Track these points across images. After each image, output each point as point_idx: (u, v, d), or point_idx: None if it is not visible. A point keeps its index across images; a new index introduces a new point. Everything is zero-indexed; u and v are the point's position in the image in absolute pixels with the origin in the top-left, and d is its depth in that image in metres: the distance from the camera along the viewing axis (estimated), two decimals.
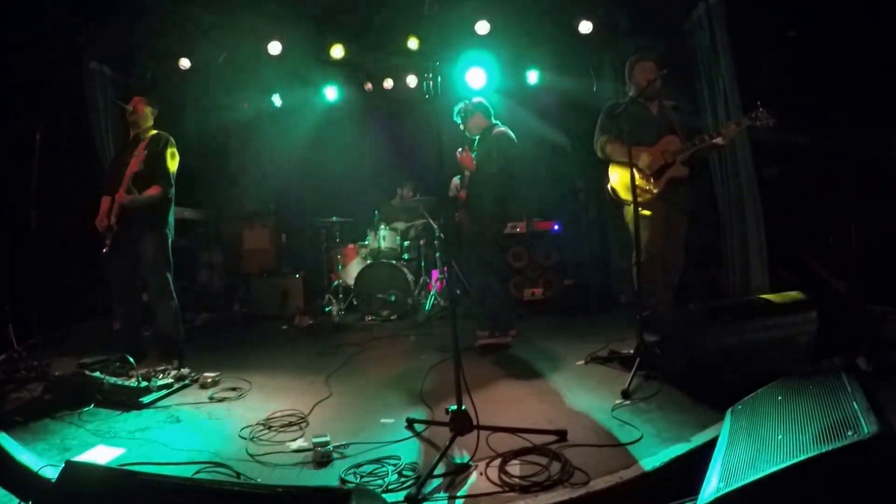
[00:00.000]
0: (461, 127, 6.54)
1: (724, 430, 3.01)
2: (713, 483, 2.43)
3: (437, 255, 8.97)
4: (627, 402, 4.32)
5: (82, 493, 2.55)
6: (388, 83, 9.83)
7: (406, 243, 9.22)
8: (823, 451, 2.13)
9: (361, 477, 3.33)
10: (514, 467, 3.33)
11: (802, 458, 2.16)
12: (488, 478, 3.22)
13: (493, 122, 6.47)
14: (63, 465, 2.67)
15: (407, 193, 9.80)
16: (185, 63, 8.64)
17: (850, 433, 2.16)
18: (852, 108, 5.85)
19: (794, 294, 4.66)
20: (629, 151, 5.06)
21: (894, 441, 2.05)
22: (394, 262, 8.84)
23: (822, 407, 2.53)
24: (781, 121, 5.01)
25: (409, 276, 8.73)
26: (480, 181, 6.28)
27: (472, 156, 6.34)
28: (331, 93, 9.99)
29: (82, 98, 7.96)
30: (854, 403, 2.41)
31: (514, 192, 6.34)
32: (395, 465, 3.43)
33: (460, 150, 6.31)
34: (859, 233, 6.06)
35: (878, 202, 5.87)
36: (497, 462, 3.38)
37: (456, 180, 6.69)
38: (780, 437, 2.44)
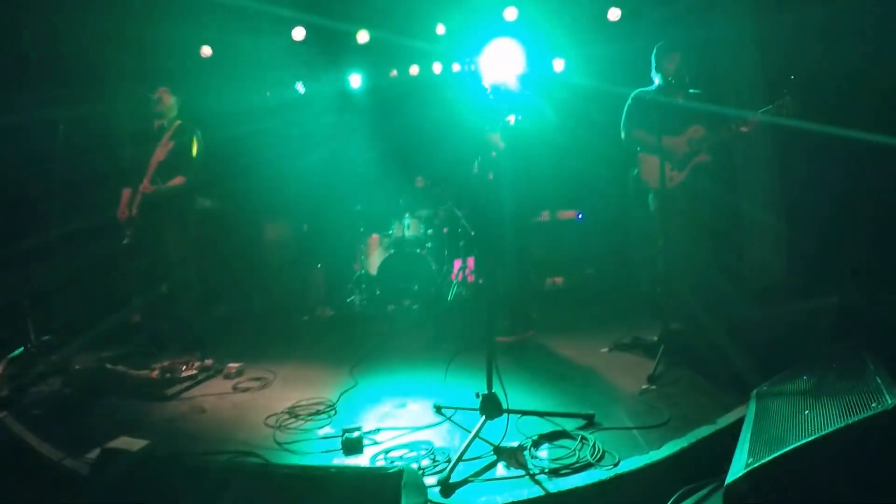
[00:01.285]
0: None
1: (750, 410, 3.09)
2: (743, 458, 2.51)
3: (461, 243, 9.00)
4: (654, 387, 4.42)
5: (121, 478, 2.59)
6: (415, 69, 9.85)
7: (430, 231, 9.23)
8: (850, 422, 2.21)
9: (392, 462, 3.40)
10: (544, 450, 3.42)
11: (829, 430, 2.24)
12: (518, 461, 3.31)
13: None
14: (98, 450, 2.72)
15: (420, 184, 9.83)
16: (206, 51, 8.70)
17: (874, 405, 2.24)
18: (881, 99, 5.87)
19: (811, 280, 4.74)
20: (659, 140, 5.14)
21: None
22: (417, 250, 8.92)
23: (847, 383, 2.61)
24: (807, 111, 5.06)
25: (433, 265, 8.77)
26: (508, 163, 6.08)
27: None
28: (355, 80, 10.02)
29: (102, 88, 7.99)
30: (878, 378, 2.49)
31: (538, 175, 6.28)
32: (425, 449, 3.50)
33: (489, 129, 6.12)
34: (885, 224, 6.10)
35: None
36: (526, 445, 3.47)
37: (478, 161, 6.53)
38: (806, 412, 2.53)
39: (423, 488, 2.69)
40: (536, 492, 2.97)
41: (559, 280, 9.06)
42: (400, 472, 2.39)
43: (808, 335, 4.08)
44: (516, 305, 6.33)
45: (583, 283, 8.97)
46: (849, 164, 6.21)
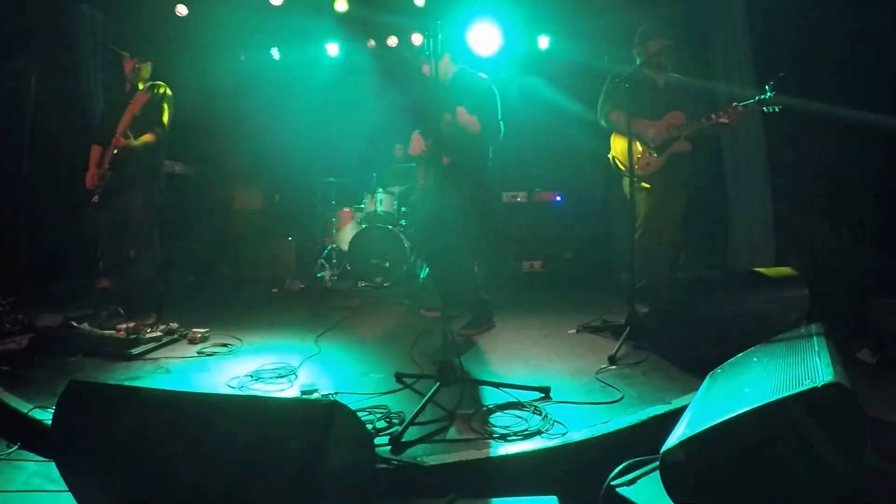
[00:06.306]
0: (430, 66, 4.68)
1: (701, 389, 3.28)
2: (679, 430, 2.70)
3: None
4: (613, 367, 4.58)
5: (87, 409, 2.69)
6: (393, 41, 9.95)
7: (403, 209, 9.35)
8: (779, 397, 2.41)
9: None
10: (496, 418, 3.59)
11: (760, 404, 2.43)
12: (470, 426, 3.48)
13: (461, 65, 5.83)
14: (68, 383, 2.86)
15: (398, 152, 9.97)
16: (181, 10, 8.71)
17: (807, 382, 2.43)
18: (867, 95, 6.04)
19: (786, 270, 4.91)
20: (628, 122, 5.29)
21: (844, 389, 2.32)
22: (390, 227, 9.03)
23: (789, 363, 2.81)
24: (795, 103, 5.22)
25: (405, 243, 8.91)
26: (465, 138, 5.53)
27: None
28: (332, 48, 10.12)
29: (72, 44, 7.97)
30: (817, 358, 2.69)
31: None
32: (381, 412, 3.66)
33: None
34: (875, 222, 6.28)
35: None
36: (480, 413, 3.66)
37: (417, 134, 5.94)
38: (746, 389, 2.73)
39: (362, 434, 2.80)
40: (485, 454, 3.15)
41: (536, 264, 9.18)
42: (332, 406, 2.44)
43: (777, 323, 4.25)
44: (478, 301, 5.87)
45: (561, 268, 9.11)
46: (843, 160, 6.37)
